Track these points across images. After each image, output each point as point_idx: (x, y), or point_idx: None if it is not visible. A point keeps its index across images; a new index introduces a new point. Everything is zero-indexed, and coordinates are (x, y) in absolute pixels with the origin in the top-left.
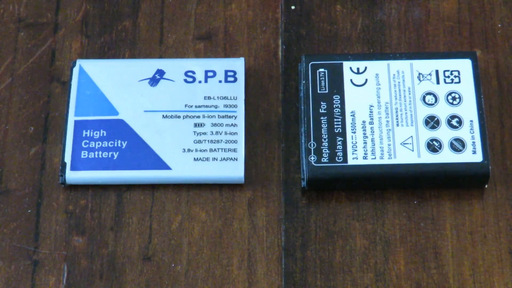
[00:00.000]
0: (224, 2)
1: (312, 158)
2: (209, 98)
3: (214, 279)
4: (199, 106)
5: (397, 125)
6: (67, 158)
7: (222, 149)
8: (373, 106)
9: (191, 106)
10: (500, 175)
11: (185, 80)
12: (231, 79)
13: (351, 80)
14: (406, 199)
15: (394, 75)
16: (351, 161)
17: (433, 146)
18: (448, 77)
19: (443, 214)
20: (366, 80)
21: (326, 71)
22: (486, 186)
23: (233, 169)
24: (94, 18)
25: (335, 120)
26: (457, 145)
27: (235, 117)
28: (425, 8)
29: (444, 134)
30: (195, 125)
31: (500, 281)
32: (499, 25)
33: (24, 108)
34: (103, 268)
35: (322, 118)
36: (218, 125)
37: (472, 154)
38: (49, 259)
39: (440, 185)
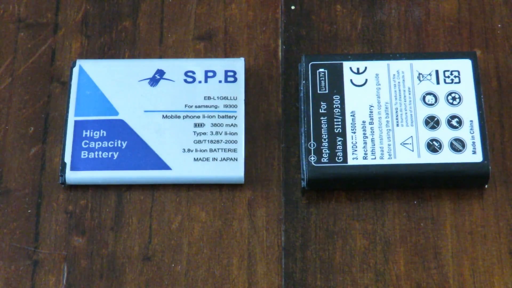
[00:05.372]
0: (224, 2)
1: (312, 158)
2: (209, 98)
3: (214, 279)
4: (199, 106)
5: (397, 125)
6: (67, 158)
7: (222, 149)
8: (373, 106)
9: (191, 106)
10: (500, 175)
11: (185, 80)
12: (231, 79)
13: (351, 80)
14: (406, 199)
15: (394, 75)
16: (351, 161)
17: (433, 146)
18: (448, 77)
19: (443, 214)
20: (366, 80)
21: (326, 71)
22: (486, 186)
23: (233, 169)
24: (94, 18)
25: (335, 120)
26: (457, 145)
27: (235, 117)
28: (425, 8)
29: (444, 134)
30: (195, 125)
31: (500, 281)
32: (499, 25)
33: (24, 108)
34: (103, 268)
35: (322, 118)
36: (218, 125)
37: (472, 154)
38: (49, 259)
39: (440, 185)
